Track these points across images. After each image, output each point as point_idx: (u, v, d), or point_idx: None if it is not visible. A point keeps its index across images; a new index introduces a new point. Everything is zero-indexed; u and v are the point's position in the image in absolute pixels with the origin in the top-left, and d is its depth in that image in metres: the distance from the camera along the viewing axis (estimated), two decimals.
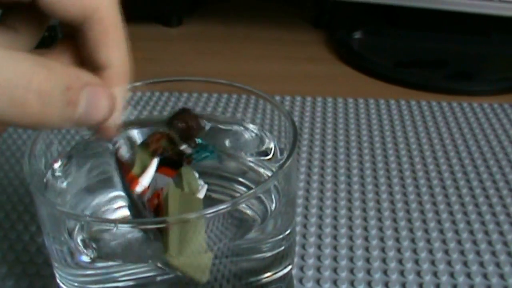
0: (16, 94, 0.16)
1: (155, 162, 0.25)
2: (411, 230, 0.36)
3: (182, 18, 0.73)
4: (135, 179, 0.25)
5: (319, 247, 0.35)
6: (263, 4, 0.78)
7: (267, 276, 0.26)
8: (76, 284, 0.24)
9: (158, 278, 0.24)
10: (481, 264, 0.34)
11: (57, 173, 0.26)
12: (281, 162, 0.24)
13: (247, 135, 0.30)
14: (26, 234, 0.36)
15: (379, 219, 0.37)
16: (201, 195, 0.25)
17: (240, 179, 0.29)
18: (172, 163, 0.26)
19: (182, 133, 0.25)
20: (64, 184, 0.27)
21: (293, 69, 0.61)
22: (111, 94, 0.19)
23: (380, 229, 0.36)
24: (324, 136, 0.47)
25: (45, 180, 0.25)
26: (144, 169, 0.25)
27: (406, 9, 0.61)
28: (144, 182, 0.24)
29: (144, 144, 0.26)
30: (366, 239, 0.36)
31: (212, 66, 0.62)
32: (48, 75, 0.17)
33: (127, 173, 0.25)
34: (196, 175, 0.25)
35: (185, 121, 0.25)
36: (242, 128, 0.30)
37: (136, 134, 0.28)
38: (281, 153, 0.28)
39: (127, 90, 0.22)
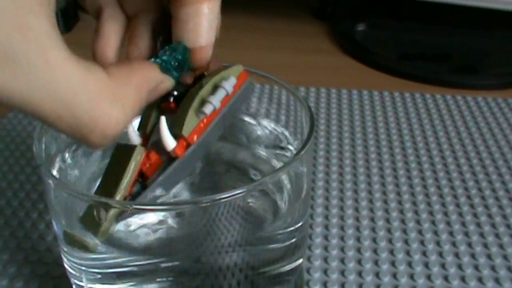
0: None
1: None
2: (418, 222, 0.36)
3: None
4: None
5: (326, 238, 0.35)
6: None
7: (278, 267, 0.25)
8: (83, 268, 0.24)
9: (163, 265, 0.24)
10: (489, 256, 0.33)
11: (68, 161, 0.26)
12: (296, 150, 0.24)
13: (260, 131, 0.29)
14: (27, 221, 0.36)
15: (386, 210, 0.37)
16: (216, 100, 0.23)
17: (254, 171, 0.28)
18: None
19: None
20: (75, 172, 0.26)
21: (295, 60, 0.60)
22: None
23: (387, 220, 0.36)
24: (329, 127, 0.47)
25: (55, 166, 0.25)
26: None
27: (410, 1, 0.61)
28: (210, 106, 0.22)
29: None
30: (373, 230, 0.35)
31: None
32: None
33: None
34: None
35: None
36: (255, 121, 0.29)
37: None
38: (295, 141, 0.28)
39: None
